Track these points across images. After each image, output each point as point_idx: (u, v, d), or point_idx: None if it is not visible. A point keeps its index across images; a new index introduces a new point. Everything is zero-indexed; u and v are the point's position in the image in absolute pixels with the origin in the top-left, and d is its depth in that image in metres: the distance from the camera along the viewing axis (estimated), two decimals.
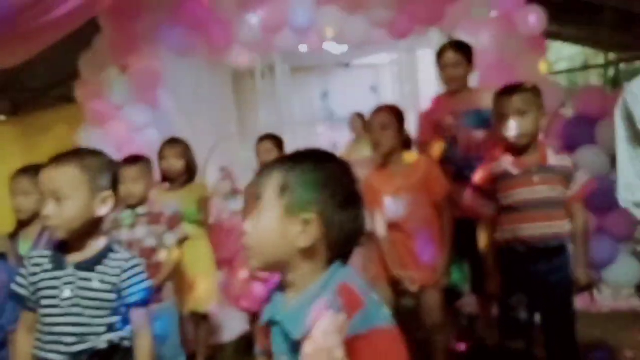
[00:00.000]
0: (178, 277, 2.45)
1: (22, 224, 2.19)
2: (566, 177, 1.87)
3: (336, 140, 5.21)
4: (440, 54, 2.78)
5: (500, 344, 2.04)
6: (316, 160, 0.97)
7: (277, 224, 0.92)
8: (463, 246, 2.45)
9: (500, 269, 1.97)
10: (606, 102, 3.08)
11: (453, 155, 2.67)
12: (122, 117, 3.46)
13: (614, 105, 3.03)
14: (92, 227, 1.46)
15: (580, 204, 1.91)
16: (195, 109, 4.21)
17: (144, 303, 1.49)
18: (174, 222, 2.27)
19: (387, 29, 3.65)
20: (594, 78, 6.16)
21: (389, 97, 5.34)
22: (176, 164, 2.78)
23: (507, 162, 1.91)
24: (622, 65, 4.19)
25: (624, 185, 1.27)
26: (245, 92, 5.33)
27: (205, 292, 2.74)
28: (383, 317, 0.89)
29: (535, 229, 1.84)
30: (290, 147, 5.50)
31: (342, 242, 0.94)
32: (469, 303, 3.00)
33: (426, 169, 2.29)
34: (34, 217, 2.15)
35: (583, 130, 3.09)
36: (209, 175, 4.04)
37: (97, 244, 1.47)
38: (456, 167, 2.63)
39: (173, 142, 2.83)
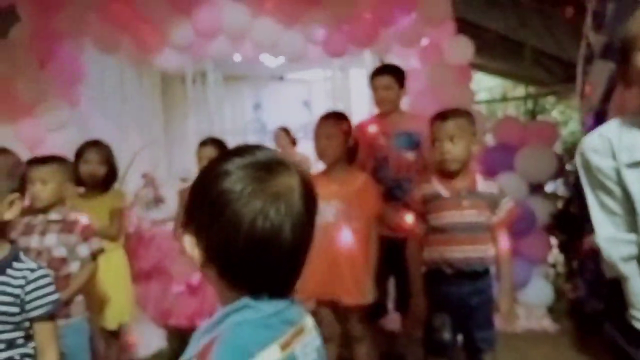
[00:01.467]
0: (90, 291, 2.26)
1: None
2: (493, 202, 1.94)
3: None
4: (373, 76, 2.83)
5: None
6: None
7: None
8: (389, 264, 2.49)
9: (426, 289, 2.00)
10: (524, 132, 3.29)
11: (384, 175, 2.72)
12: (36, 114, 3.19)
13: (531, 135, 3.31)
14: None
15: (504, 229, 1.99)
16: (119, 110, 4.01)
17: (50, 317, 1.37)
18: (89, 232, 2.09)
19: (322, 46, 3.68)
20: (511, 109, 6.62)
21: (321, 112, 5.37)
22: (98, 169, 2.58)
23: (438, 185, 1.95)
24: (538, 99, 4.53)
25: (606, 239, 1.22)
26: (173, 97, 5.14)
27: (117, 308, 2.56)
28: None
29: (461, 251, 1.89)
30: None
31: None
32: (391, 320, 3.04)
33: (363, 183, 2.31)
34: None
35: (503, 158, 3.28)
36: (129, 182, 3.84)
37: (0, 252, 1.33)
38: (386, 187, 2.68)
39: (96, 145, 2.64)
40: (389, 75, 2.77)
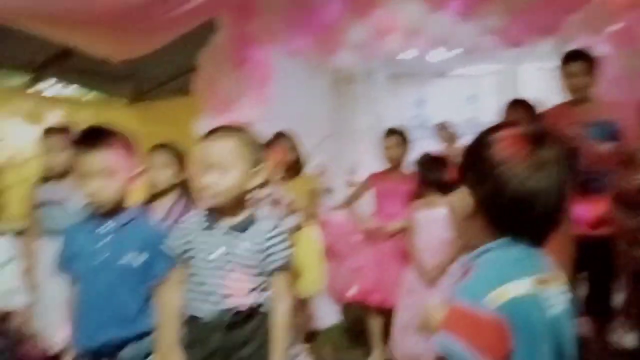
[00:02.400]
0: None
1: (155, 196, 2.38)
2: None
3: (429, 147, 5.15)
4: (564, 63, 2.72)
5: None
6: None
7: None
8: (579, 264, 2.34)
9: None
10: None
11: (573, 167, 2.57)
12: (234, 109, 3.65)
13: None
14: (244, 196, 1.56)
15: None
16: (299, 110, 4.37)
17: (286, 268, 1.56)
18: (294, 207, 2.37)
19: (500, 37, 3.58)
20: None
21: (487, 107, 5.22)
22: (290, 155, 2.89)
23: None
24: None
25: None
26: (344, 96, 5.43)
27: (310, 279, 2.83)
28: None
29: None
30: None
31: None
32: (582, 324, 2.85)
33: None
34: (167, 189, 2.33)
35: None
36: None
37: (246, 211, 1.57)
38: (578, 180, 2.53)
39: (281, 135, 2.97)
40: (581, 61, 2.64)
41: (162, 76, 4.37)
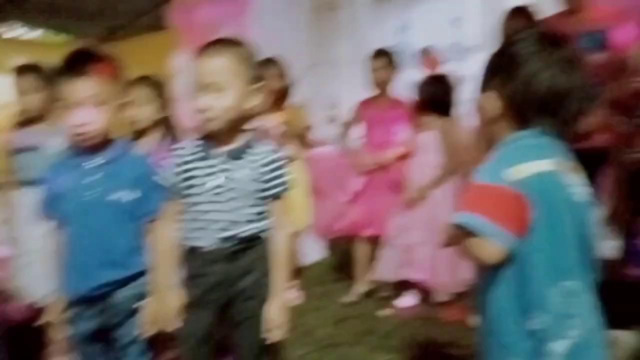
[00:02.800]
0: None
1: (138, 133, 2.28)
2: None
3: (411, 75, 5.04)
4: None
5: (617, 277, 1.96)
6: None
7: None
8: None
9: (629, 194, 1.86)
10: None
11: None
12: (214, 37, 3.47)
13: None
14: (243, 118, 1.47)
15: None
16: (280, 38, 4.17)
17: (285, 196, 1.51)
18: (283, 140, 2.28)
19: None
20: None
21: (472, 30, 5.06)
22: (274, 82, 2.77)
23: None
24: None
25: None
26: (324, 24, 5.21)
27: (298, 213, 2.81)
28: None
29: None
30: (366, 79, 5.40)
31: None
32: None
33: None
34: (150, 126, 2.23)
35: None
36: None
37: (244, 135, 1.49)
38: None
39: (269, 61, 2.83)
40: None
41: (134, 11, 4.11)
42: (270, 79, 2.79)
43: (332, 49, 5.25)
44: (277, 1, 4.31)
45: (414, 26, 5.42)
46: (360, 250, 2.94)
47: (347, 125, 3.05)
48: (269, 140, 2.28)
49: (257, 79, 1.45)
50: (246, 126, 2.19)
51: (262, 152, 1.48)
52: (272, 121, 2.51)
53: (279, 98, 2.86)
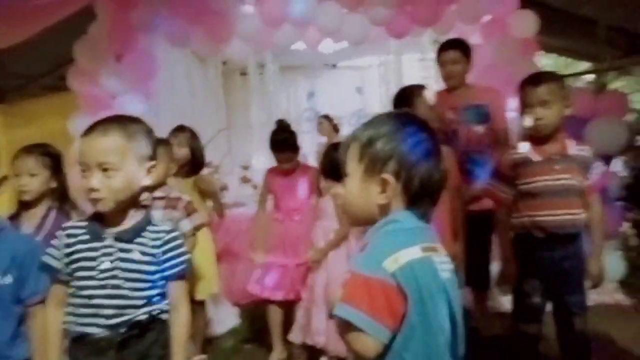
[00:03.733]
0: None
1: (25, 206, 2.12)
2: (585, 167, 1.94)
3: (321, 139, 5.25)
4: (440, 51, 2.86)
5: (512, 332, 2.09)
6: (392, 117, 1.09)
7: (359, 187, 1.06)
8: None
9: (515, 255, 2.02)
10: (595, 103, 3.24)
11: (454, 148, 2.74)
12: (115, 105, 3.40)
13: (601, 107, 3.25)
14: (134, 198, 1.42)
15: (596, 194, 1.99)
16: (188, 103, 4.19)
17: (183, 276, 1.46)
18: (191, 208, 2.24)
19: (386, 28, 3.72)
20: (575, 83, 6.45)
21: (375, 98, 5.44)
22: (181, 151, 2.75)
23: (528, 150, 1.96)
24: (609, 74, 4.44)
25: None
26: (234, 88, 5.33)
27: (207, 279, 2.72)
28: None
29: (554, 215, 1.89)
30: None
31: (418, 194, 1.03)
32: (463, 296, 3.07)
33: (446, 153, 2.32)
34: (39, 198, 2.09)
35: (574, 129, 3.22)
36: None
37: (136, 216, 1.43)
38: (457, 161, 2.71)
39: (179, 129, 2.81)
40: (456, 49, 2.80)
41: (32, 71, 3.91)
42: (179, 146, 2.76)
43: (243, 113, 5.35)
44: (187, 66, 4.34)
45: (321, 93, 5.73)
46: (273, 316, 2.87)
47: (262, 196, 3.03)
48: (175, 212, 2.24)
49: (151, 157, 1.42)
50: (149, 197, 2.16)
51: (156, 232, 1.42)
52: (181, 189, 2.45)
53: (188, 164, 2.82)
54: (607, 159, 3.31)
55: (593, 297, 3.19)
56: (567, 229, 1.90)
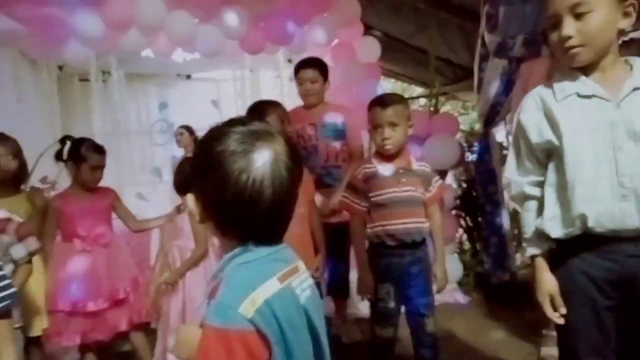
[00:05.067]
0: (23, 297, 2.06)
1: None
2: (426, 180, 2.13)
3: (174, 151, 5.02)
4: (299, 69, 2.92)
5: (370, 336, 2.17)
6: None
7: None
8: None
9: (370, 263, 2.11)
10: (430, 124, 3.61)
11: (314, 164, 2.82)
12: None
13: (435, 128, 3.64)
14: None
15: (437, 204, 2.19)
16: (15, 109, 3.65)
17: (5, 315, 1.24)
18: (24, 231, 1.90)
19: (240, 43, 3.70)
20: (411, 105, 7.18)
21: (231, 111, 5.36)
22: (9, 163, 2.36)
23: (379, 165, 2.09)
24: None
25: (506, 180, 1.52)
26: (71, 95, 4.79)
27: (40, 313, 2.36)
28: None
29: (402, 224, 2.03)
30: (125, 157, 5.10)
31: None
32: (324, 305, 3.15)
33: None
34: None
35: (413, 147, 3.55)
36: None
37: None
38: (316, 175, 2.79)
39: (2, 137, 2.41)
40: (315, 68, 2.88)
41: None
42: (7, 157, 2.37)
43: (84, 122, 4.83)
44: (15, 68, 3.78)
45: (174, 105, 5.47)
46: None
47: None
48: (6, 233, 1.88)
49: None
50: None
51: None
52: (12, 207, 2.07)
53: (9, 183, 2.42)
54: (442, 173, 3.71)
55: (437, 298, 3.56)
56: (413, 236, 2.06)
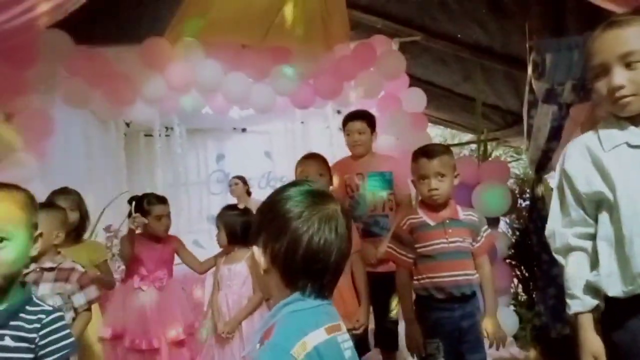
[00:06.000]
0: (81, 344, 2.19)
1: None
2: (474, 230, 2.10)
3: (229, 200, 5.21)
4: (347, 121, 3.01)
5: None
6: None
7: None
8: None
9: (417, 316, 2.09)
10: (479, 171, 3.58)
11: (361, 213, 2.87)
12: (3, 167, 3.13)
13: (484, 174, 3.61)
14: (16, 273, 1.29)
15: (485, 255, 2.14)
16: (84, 164, 3.98)
17: None
18: (85, 280, 2.06)
19: (290, 98, 3.89)
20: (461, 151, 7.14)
21: (282, 162, 5.55)
22: (72, 215, 2.56)
23: (424, 215, 2.09)
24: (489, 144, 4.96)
25: (549, 232, 1.47)
26: (137, 150, 5.16)
27: None
28: None
29: (450, 276, 2.01)
30: (184, 206, 5.29)
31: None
32: (373, 356, 3.10)
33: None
34: None
35: (461, 194, 3.52)
36: (98, 237, 3.77)
37: (13, 294, 1.29)
38: (363, 224, 2.83)
39: (65, 191, 2.64)
40: (362, 120, 2.97)
41: None
42: (69, 210, 2.58)
43: (147, 174, 5.16)
44: (85, 127, 4.16)
45: (230, 156, 5.74)
46: None
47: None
48: (69, 282, 2.04)
49: (35, 226, 1.34)
50: (40, 266, 1.96)
51: (34, 315, 1.29)
52: (69, 261, 2.24)
53: (72, 233, 2.62)
54: (494, 221, 3.63)
55: (492, 352, 3.41)
56: (463, 289, 2.02)
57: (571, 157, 1.41)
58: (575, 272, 1.40)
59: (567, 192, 1.42)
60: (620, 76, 1.29)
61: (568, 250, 1.43)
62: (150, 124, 4.76)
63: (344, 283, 2.26)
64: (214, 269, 2.87)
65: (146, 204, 2.80)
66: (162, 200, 2.89)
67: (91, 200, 3.78)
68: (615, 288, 1.31)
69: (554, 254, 1.47)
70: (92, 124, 4.29)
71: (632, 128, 1.34)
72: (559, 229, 1.44)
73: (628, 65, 1.29)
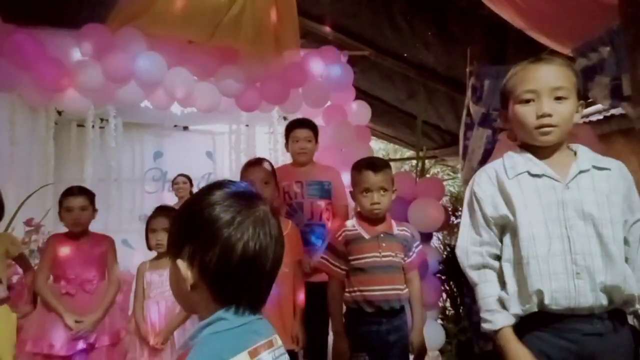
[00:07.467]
0: None
1: None
2: (406, 245, 2.13)
3: (165, 200, 5.04)
4: (293, 128, 3.00)
5: None
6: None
7: None
8: None
9: (346, 329, 2.09)
10: (416, 187, 3.67)
11: (298, 221, 2.85)
12: None
13: (422, 190, 3.70)
14: None
15: (416, 270, 2.17)
16: (8, 152, 3.71)
17: None
18: None
19: (236, 100, 3.82)
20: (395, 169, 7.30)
21: (224, 163, 5.45)
22: None
23: (360, 228, 2.10)
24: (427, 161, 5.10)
25: (460, 249, 1.49)
26: (67, 141, 4.87)
27: None
28: None
29: (380, 290, 2.02)
30: (115, 203, 5.07)
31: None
32: None
33: (291, 228, 2.40)
34: None
35: (398, 209, 3.59)
36: (17, 230, 3.52)
37: None
38: (300, 232, 2.81)
39: None
40: (309, 128, 2.97)
41: None
42: None
43: (77, 166, 4.88)
44: (13, 110, 3.88)
45: (169, 154, 5.56)
46: None
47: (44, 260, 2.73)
48: None
49: None
50: None
51: None
52: None
53: None
54: (427, 236, 3.73)
55: None
56: (391, 303, 2.04)
57: (480, 182, 1.48)
58: (489, 289, 1.43)
59: (478, 214, 1.47)
60: (549, 106, 1.37)
61: (481, 267, 1.46)
62: (83, 114, 4.51)
63: (285, 291, 2.24)
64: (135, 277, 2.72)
65: (61, 195, 2.61)
66: (79, 192, 2.64)
67: (12, 189, 3.54)
68: (515, 307, 1.38)
69: (464, 270, 1.50)
70: (20, 109, 4.01)
71: (532, 158, 1.43)
72: (470, 247, 1.48)
73: (557, 99, 1.37)
